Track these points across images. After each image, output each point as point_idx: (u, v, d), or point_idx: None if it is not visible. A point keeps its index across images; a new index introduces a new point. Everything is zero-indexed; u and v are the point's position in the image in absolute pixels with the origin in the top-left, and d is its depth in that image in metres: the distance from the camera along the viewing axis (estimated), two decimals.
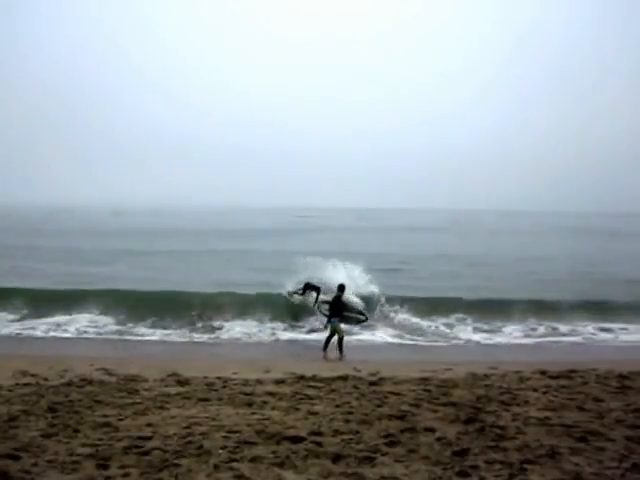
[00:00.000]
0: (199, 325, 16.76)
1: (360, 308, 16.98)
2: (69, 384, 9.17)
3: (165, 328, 16.36)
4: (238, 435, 6.37)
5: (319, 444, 6.08)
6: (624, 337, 16.41)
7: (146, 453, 5.76)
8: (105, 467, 5.42)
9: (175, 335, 15.85)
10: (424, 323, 17.31)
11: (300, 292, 17.67)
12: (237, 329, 16.44)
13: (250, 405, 7.91)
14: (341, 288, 14.74)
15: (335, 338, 13.87)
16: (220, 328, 16.54)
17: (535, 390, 8.90)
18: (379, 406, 7.84)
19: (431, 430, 6.63)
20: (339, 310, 14.43)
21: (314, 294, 17.18)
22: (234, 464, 5.50)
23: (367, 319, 16.42)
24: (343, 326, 14.27)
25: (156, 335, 15.74)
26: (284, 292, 18.26)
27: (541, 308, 18.52)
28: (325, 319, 14.77)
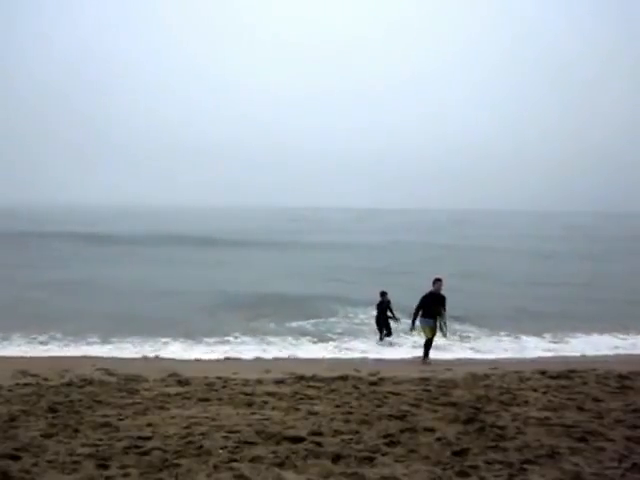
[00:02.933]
0: None
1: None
2: (69, 384, 9.17)
3: None
4: (238, 435, 6.37)
5: (319, 444, 6.08)
6: None
7: (146, 453, 5.76)
8: (105, 467, 5.42)
9: None
10: None
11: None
12: None
13: (250, 405, 7.91)
14: (438, 281, 12.37)
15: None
16: None
17: (535, 390, 8.91)
18: (379, 406, 7.84)
19: (431, 430, 6.63)
20: (435, 307, 12.21)
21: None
22: (234, 464, 5.50)
23: (446, 335, 13.17)
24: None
25: None
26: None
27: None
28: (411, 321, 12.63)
